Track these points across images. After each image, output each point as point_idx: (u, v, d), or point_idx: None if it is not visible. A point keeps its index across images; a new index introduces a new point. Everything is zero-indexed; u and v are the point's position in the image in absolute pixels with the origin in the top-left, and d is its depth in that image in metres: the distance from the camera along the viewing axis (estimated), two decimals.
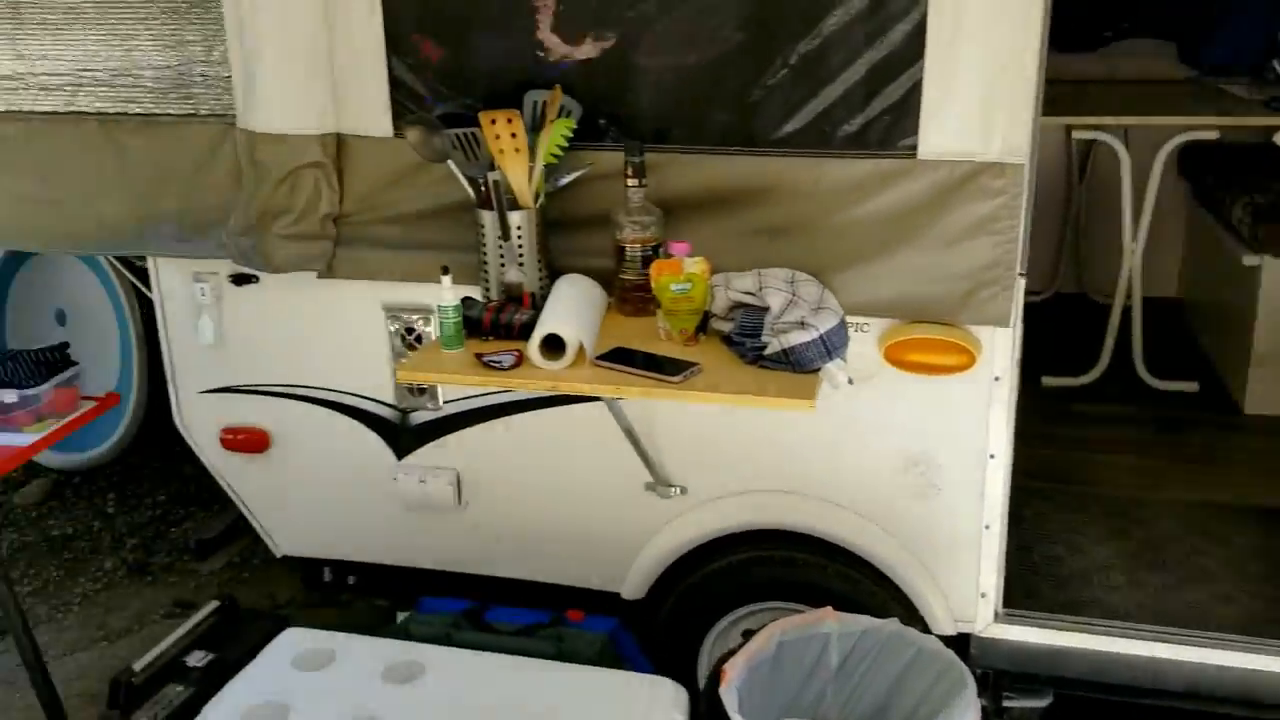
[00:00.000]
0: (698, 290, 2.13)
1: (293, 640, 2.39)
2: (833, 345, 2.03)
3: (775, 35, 2.16)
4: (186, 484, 4.24)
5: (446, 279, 2.16)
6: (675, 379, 2.00)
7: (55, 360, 2.58)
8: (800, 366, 2.02)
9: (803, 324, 2.04)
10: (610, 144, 2.31)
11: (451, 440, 2.64)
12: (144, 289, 3.45)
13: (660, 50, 2.23)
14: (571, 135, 2.27)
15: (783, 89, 2.19)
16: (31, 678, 2.34)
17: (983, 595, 2.47)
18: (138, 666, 2.34)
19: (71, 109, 2.60)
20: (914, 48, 2.09)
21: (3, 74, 2.61)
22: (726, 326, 2.17)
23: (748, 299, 2.13)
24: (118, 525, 4.01)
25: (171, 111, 2.53)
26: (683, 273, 2.11)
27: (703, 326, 2.19)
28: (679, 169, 2.29)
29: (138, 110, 2.56)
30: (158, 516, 4.06)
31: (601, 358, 2.08)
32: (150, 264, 2.69)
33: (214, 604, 2.58)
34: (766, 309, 2.10)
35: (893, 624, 2.19)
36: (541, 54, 2.29)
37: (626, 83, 2.28)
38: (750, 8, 2.16)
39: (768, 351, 2.04)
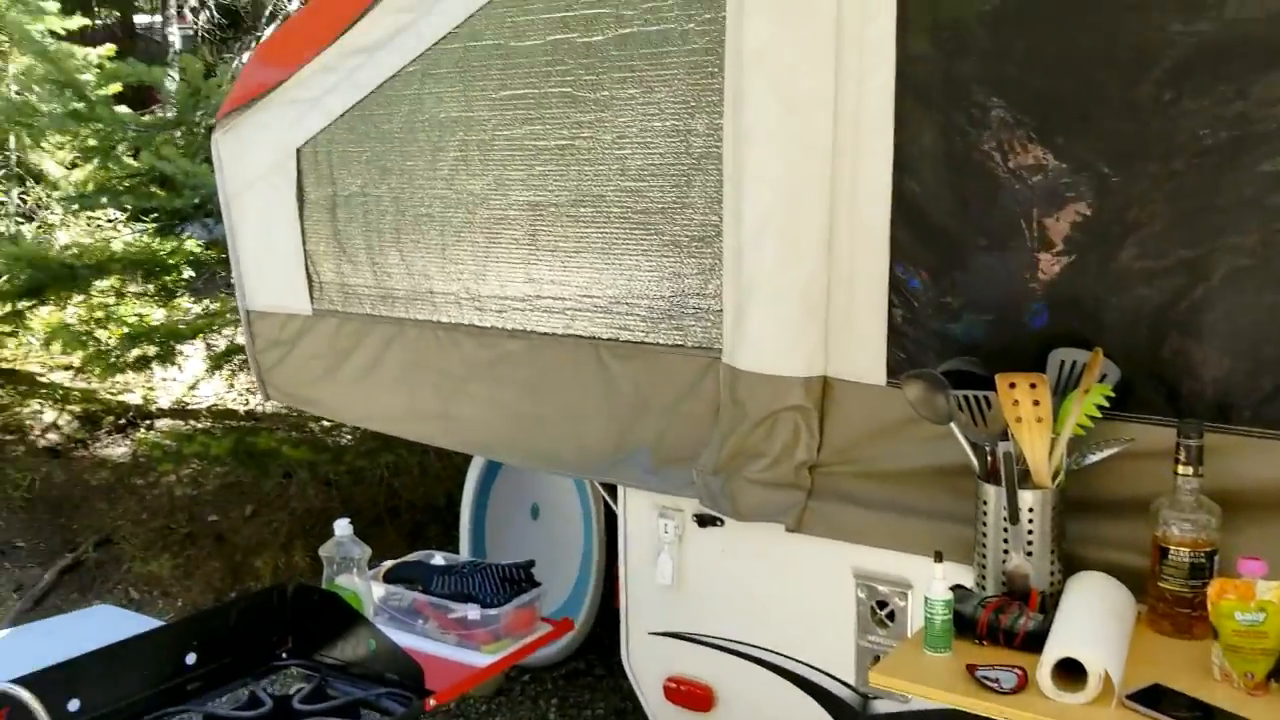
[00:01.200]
0: (1273, 624, 1.61)
1: None
2: None
3: None
4: (625, 699, 4.13)
5: (939, 567, 1.82)
6: None
7: (520, 579, 2.54)
8: None
9: None
10: (1154, 417, 1.90)
11: None
12: (609, 500, 3.47)
13: (1239, 303, 1.81)
14: (1107, 404, 1.88)
15: None
16: None
17: None
18: None
19: (569, 332, 2.64)
20: None
21: (515, 295, 2.73)
22: None
23: None
24: None
25: (660, 341, 2.49)
26: (1254, 599, 1.61)
27: (1276, 671, 1.65)
28: (1249, 457, 1.83)
29: (628, 338, 2.54)
30: None
31: (1134, 698, 1.62)
32: (619, 492, 2.61)
33: None
34: None
35: None
36: (1070, 304, 1.96)
37: (1186, 343, 1.87)
38: None
39: None
